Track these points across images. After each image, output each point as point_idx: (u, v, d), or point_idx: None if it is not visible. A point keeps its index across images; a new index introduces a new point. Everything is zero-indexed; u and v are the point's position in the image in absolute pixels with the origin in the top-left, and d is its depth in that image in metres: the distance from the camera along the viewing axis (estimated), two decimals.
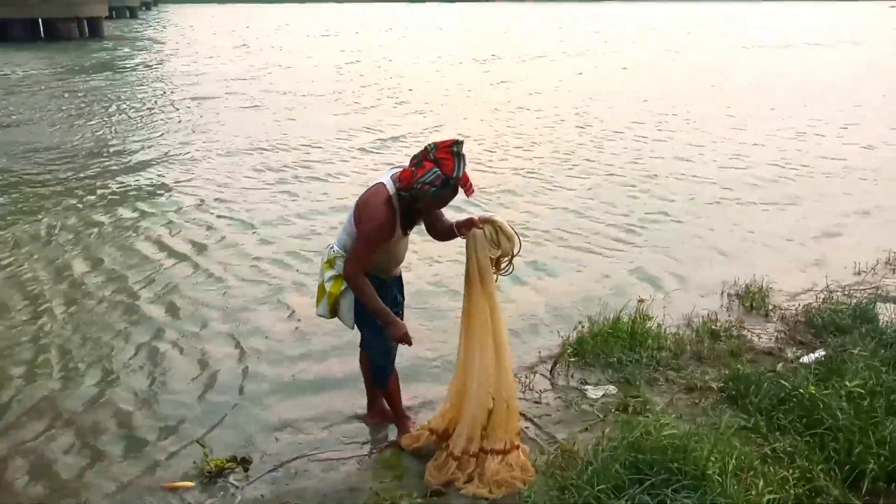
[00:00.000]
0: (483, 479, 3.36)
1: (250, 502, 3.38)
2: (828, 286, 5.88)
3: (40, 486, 3.55)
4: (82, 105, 15.67)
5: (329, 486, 3.46)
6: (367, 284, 3.34)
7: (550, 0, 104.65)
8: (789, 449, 3.40)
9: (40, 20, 37.29)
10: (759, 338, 5.04)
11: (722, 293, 5.84)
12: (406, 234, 3.50)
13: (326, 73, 20.90)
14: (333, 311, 3.58)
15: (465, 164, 3.19)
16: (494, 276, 3.43)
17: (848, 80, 19.61)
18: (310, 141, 12.02)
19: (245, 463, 3.66)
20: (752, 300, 5.60)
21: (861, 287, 5.91)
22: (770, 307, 5.53)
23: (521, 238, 3.45)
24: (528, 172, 10.05)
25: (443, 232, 3.59)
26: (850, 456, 3.28)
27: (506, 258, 3.46)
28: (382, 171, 3.59)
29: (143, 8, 72.01)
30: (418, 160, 3.21)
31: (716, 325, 5.14)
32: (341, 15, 64.27)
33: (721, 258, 6.80)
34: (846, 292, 5.73)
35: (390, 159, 10.38)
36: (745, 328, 5.17)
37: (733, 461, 3.13)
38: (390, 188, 3.31)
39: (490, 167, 10.33)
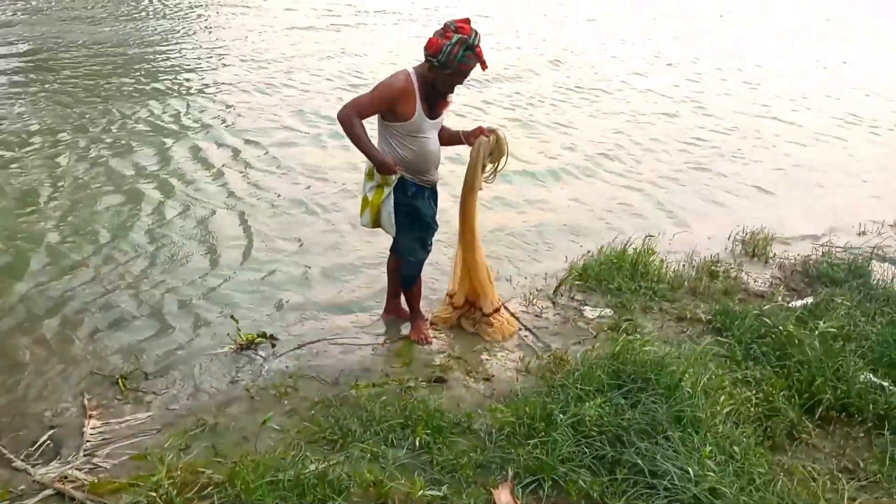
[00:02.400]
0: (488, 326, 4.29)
1: (276, 371, 3.84)
2: (830, 241, 6.15)
3: (93, 349, 4.03)
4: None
5: (345, 365, 3.92)
6: (358, 124, 3.68)
7: None
8: (759, 376, 3.78)
9: None
10: (755, 281, 5.37)
11: (728, 237, 6.13)
12: (432, 118, 3.80)
13: None
14: (376, 221, 3.95)
15: (479, 38, 3.63)
16: (486, 179, 4.06)
17: None
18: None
19: (273, 339, 4.12)
20: (756, 247, 5.89)
21: (862, 245, 6.17)
22: (771, 255, 5.83)
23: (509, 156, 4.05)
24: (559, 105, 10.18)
25: (447, 138, 4.01)
26: (810, 386, 3.66)
27: (496, 166, 4.04)
28: None
29: None
30: (440, 33, 3.62)
31: (715, 266, 5.46)
32: None
33: (735, 205, 7.03)
34: (846, 248, 5.99)
35: None
36: (743, 271, 5.50)
37: (705, 379, 3.52)
38: (410, 69, 3.71)
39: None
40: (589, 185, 7.38)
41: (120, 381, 3.65)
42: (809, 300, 4.91)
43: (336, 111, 3.73)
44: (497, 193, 6.53)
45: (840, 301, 4.67)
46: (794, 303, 4.89)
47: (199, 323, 4.32)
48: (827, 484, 3.07)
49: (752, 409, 3.48)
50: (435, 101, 3.79)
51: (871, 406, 3.58)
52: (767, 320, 4.24)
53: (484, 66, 3.74)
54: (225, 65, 10.73)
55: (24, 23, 12.12)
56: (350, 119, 3.67)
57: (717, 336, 4.33)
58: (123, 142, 7.32)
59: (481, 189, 4.11)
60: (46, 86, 8.93)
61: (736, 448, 3.11)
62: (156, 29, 12.81)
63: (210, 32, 12.89)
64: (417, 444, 3.16)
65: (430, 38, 3.66)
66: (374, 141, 3.81)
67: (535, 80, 11.25)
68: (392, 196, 3.85)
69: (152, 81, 9.63)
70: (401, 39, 12.54)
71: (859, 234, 6.51)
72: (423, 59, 3.68)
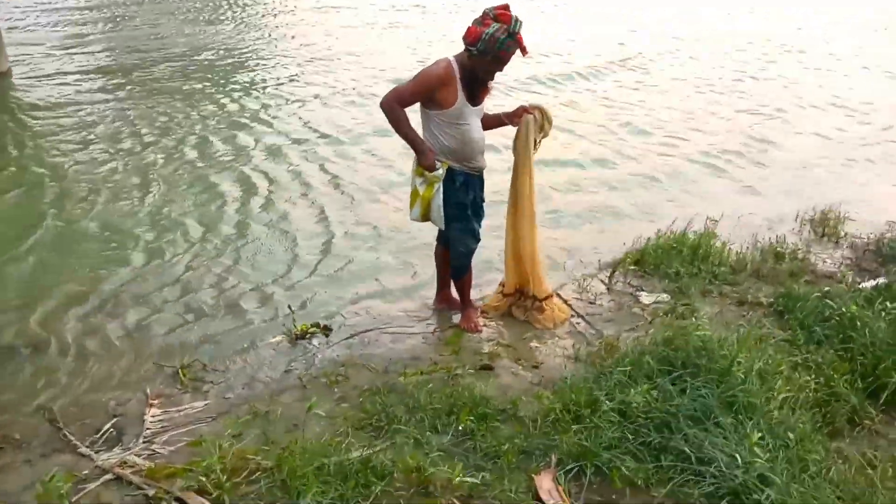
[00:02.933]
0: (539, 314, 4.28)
1: (328, 360, 3.92)
2: None
3: (154, 339, 4.19)
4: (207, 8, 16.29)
5: (395, 354, 3.97)
6: (400, 112, 3.72)
7: None
8: (820, 360, 3.63)
9: None
10: (824, 262, 5.17)
11: (797, 218, 5.90)
12: (474, 105, 3.80)
13: None
14: (425, 215, 3.98)
15: (520, 24, 3.60)
16: (532, 150, 4.02)
17: None
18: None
19: (326, 330, 4.21)
20: (826, 227, 5.65)
21: None
22: (842, 235, 5.58)
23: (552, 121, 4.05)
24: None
25: (488, 122, 3.98)
26: (875, 370, 3.49)
27: (542, 138, 4.03)
28: None
29: None
30: (479, 21, 3.61)
31: (782, 248, 5.26)
32: None
33: (806, 187, 6.76)
34: None
35: None
36: (811, 252, 5.29)
37: (760, 364, 3.40)
38: (451, 57, 3.72)
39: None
40: (646, 163, 7.24)
41: (180, 371, 3.80)
42: (882, 280, 4.68)
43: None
44: (550, 176, 6.49)
45: None
46: (864, 284, 4.67)
47: (257, 314, 4.44)
48: (889, 471, 2.92)
49: (811, 395, 3.35)
50: (475, 88, 3.78)
51: None
52: (831, 302, 4.06)
53: (524, 52, 3.71)
54: (297, 64, 10.96)
55: (102, 32, 12.68)
56: (391, 106, 3.71)
57: (780, 319, 4.20)
58: (204, 140, 7.56)
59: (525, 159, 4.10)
60: (131, 89, 9.30)
61: (791, 434, 3.00)
62: (231, 33, 13.18)
63: (287, 38, 13.17)
64: (461, 430, 3.18)
65: (468, 27, 3.65)
66: (419, 131, 3.84)
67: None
68: (441, 189, 3.87)
69: (228, 81, 9.92)
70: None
71: None
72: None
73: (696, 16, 15.52)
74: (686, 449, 2.90)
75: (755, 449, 2.80)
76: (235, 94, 9.26)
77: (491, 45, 3.58)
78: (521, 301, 4.37)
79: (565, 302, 4.50)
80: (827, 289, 4.29)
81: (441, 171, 3.81)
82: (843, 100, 9.67)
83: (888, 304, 3.97)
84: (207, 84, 9.72)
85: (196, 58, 11.02)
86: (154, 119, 8.13)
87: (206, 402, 3.58)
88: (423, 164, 3.80)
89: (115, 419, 3.42)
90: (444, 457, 3.00)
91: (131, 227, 5.57)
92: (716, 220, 5.54)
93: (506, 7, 3.64)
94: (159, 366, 3.89)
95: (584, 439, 3.03)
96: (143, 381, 3.76)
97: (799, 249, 5.28)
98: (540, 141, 4.05)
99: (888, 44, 13.25)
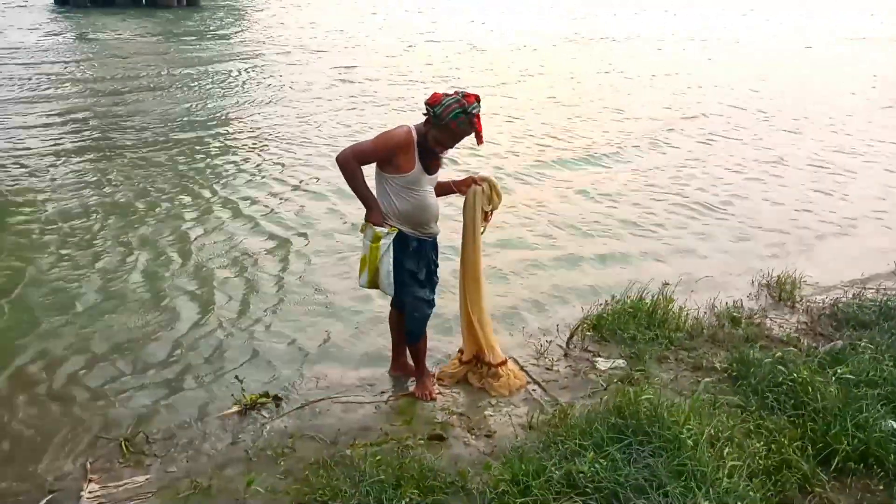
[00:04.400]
0: (495, 381, 4.26)
1: (278, 432, 3.83)
2: (861, 282, 5.92)
3: (97, 411, 4.08)
4: (178, 70, 16.52)
5: (346, 424, 3.89)
6: (357, 168, 3.75)
7: None
8: (771, 427, 3.61)
9: None
10: (780, 327, 5.19)
11: (752, 282, 5.97)
12: (429, 174, 3.85)
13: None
14: (373, 281, 3.95)
15: (480, 110, 3.72)
16: (483, 227, 4.09)
17: None
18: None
19: (276, 400, 4.13)
20: (782, 291, 5.71)
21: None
22: (798, 299, 5.64)
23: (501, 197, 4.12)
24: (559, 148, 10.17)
25: (437, 191, 4.01)
26: (825, 436, 3.47)
27: (492, 210, 4.09)
28: None
29: None
30: (445, 91, 3.74)
31: (738, 312, 5.31)
32: None
33: (761, 248, 6.87)
34: (878, 290, 5.76)
35: None
36: (767, 317, 5.33)
37: (710, 430, 3.38)
38: (411, 125, 3.79)
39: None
40: (597, 226, 7.34)
41: (123, 443, 3.70)
42: (836, 344, 4.71)
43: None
44: (502, 237, 6.56)
45: (864, 344, 4.46)
46: (820, 348, 4.70)
47: (205, 384, 4.35)
48: None
49: (762, 462, 3.32)
50: (430, 158, 3.83)
51: (892, 456, 3.38)
52: (784, 367, 4.07)
53: (479, 140, 3.80)
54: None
55: (79, 96, 12.77)
56: (348, 160, 3.76)
57: (733, 384, 4.19)
58: (160, 207, 7.54)
59: (483, 232, 4.14)
60: (115, 158, 9.29)
61: (740, 503, 2.96)
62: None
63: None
64: None
65: (434, 92, 3.75)
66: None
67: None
68: (391, 253, 3.86)
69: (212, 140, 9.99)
70: None
71: (895, 273, 6.26)
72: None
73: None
74: None
75: None
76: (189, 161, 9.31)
77: (446, 112, 3.65)
78: (477, 368, 4.33)
79: (521, 368, 4.47)
80: (779, 354, 4.30)
81: (387, 230, 3.81)
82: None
83: (839, 369, 3.99)
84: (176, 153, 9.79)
85: (170, 122, 11.11)
86: (115, 190, 8.12)
87: (148, 476, 3.47)
88: (370, 218, 3.81)
89: (50, 495, 3.32)
90: None
91: (75, 294, 5.50)
92: (669, 284, 5.58)
93: (476, 96, 3.74)
94: (102, 438, 3.78)
95: None
96: (84, 453, 3.65)
97: (755, 314, 5.33)
98: (491, 213, 4.11)
99: None
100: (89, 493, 3.32)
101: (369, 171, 3.82)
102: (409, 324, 4.11)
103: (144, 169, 8.75)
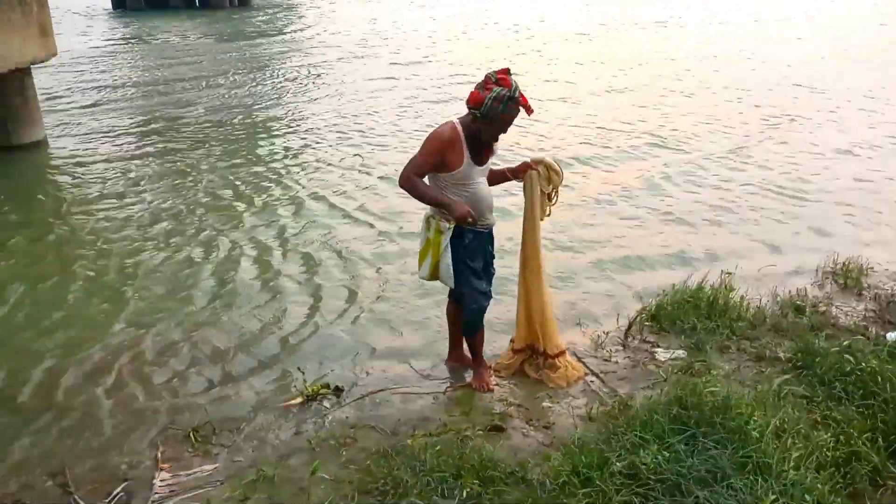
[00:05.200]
0: (552, 372, 4.23)
1: (338, 423, 3.90)
2: None
3: (167, 402, 4.22)
4: (232, 69, 16.86)
5: (405, 415, 3.94)
6: (420, 182, 3.76)
7: None
8: (840, 417, 3.52)
9: None
10: (847, 315, 5.05)
11: (817, 270, 5.80)
12: (479, 165, 3.86)
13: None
14: (434, 274, 4.00)
15: (519, 89, 3.69)
16: (548, 208, 4.08)
17: None
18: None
19: (337, 391, 4.20)
20: (847, 278, 5.54)
21: None
22: (865, 286, 5.47)
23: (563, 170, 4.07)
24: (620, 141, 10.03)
25: (494, 178, 4.05)
26: None
27: (555, 190, 4.04)
28: None
29: None
30: (481, 86, 3.68)
31: (802, 301, 5.17)
32: None
33: (825, 237, 6.68)
34: None
35: None
36: (833, 305, 5.18)
37: (776, 421, 3.32)
38: (455, 120, 3.79)
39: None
40: (657, 214, 7.24)
41: (192, 433, 3.81)
42: None
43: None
44: (562, 230, 6.52)
45: None
46: (890, 335, 4.55)
47: (270, 375, 4.45)
48: None
49: (830, 453, 3.24)
50: (480, 149, 3.84)
51: None
52: (851, 357, 3.96)
53: (529, 111, 3.78)
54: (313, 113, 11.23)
55: (145, 98, 13.17)
56: (409, 179, 3.76)
57: (798, 374, 4.09)
58: (224, 200, 7.73)
59: (543, 221, 4.11)
60: (195, 158, 9.55)
61: (808, 497, 2.90)
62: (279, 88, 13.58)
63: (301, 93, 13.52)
64: (467, 494, 3.12)
65: (471, 91, 3.72)
66: None
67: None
68: (450, 247, 3.89)
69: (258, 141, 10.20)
70: None
71: None
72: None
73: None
74: None
75: None
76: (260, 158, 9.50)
77: (494, 110, 3.65)
78: (533, 359, 4.33)
79: (579, 359, 4.44)
80: (847, 343, 4.18)
81: (450, 225, 3.83)
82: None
83: None
84: (232, 145, 10.00)
85: (221, 120, 11.36)
86: (178, 184, 8.35)
87: (216, 465, 3.57)
88: (457, 218, 3.78)
89: (125, 483, 3.44)
90: None
91: (144, 288, 5.69)
92: (731, 273, 5.47)
93: (506, 71, 3.73)
94: (171, 428, 3.91)
95: (592, 502, 2.96)
96: (155, 443, 3.77)
97: (820, 302, 5.19)
98: (555, 194, 4.07)
99: None
100: (161, 481, 3.43)
101: None
102: (467, 315, 4.12)
103: (224, 168, 8.99)
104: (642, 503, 2.94)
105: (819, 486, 2.98)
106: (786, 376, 3.98)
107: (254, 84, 14.54)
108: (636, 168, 8.84)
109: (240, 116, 11.79)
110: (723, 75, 14.88)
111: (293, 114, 12.05)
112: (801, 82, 13.98)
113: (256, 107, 12.49)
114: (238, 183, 8.41)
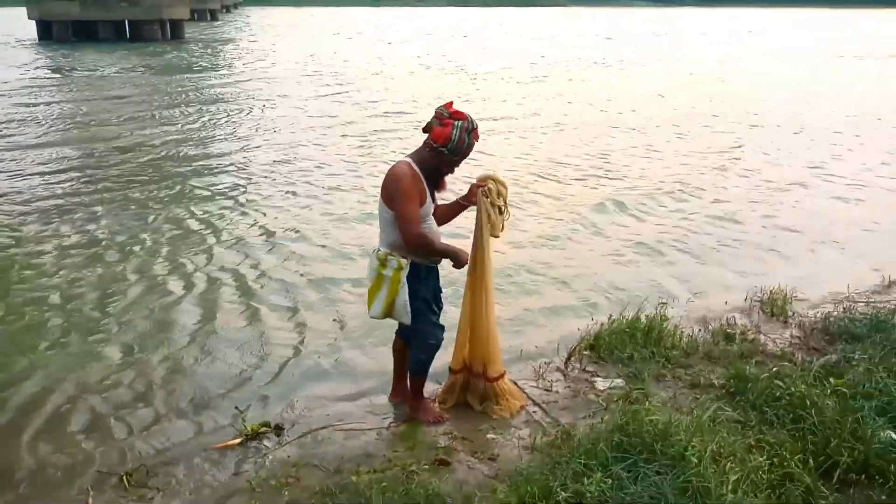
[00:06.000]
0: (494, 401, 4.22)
1: (280, 462, 3.81)
2: (851, 296, 6.00)
3: (98, 445, 4.04)
4: (160, 103, 16.61)
5: (348, 451, 3.87)
6: (424, 235, 3.77)
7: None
8: (772, 441, 3.64)
9: (126, 22, 39.26)
10: (774, 342, 5.24)
11: (745, 299, 6.02)
12: (434, 203, 3.90)
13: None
14: (388, 311, 3.95)
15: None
16: (502, 221, 4.06)
17: None
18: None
19: (278, 429, 4.11)
20: (773, 307, 5.77)
21: (886, 299, 6.01)
22: (790, 314, 5.70)
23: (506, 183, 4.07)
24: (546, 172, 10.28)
25: (446, 213, 4.08)
26: (826, 449, 3.51)
27: (504, 203, 4.04)
28: None
29: (224, 10, 74.62)
30: (439, 122, 3.73)
31: (732, 329, 5.36)
32: (412, 16, 64.82)
33: (754, 265, 6.95)
34: (868, 303, 5.84)
35: None
36: (760, 332, 5.38)
37: (713, 446, 3.41)
38: (408, 159, 3.81)
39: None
40: (594, 247, 7.39)
41: (124, 478, 3.67)
42: (830, 357, 4.76)
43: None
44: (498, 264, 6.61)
45: (858, 357, 4.52)
46: (814, 363, 4.74)
47: (206, 415, 4.33)
48: None
49: (765, 476, 3.34)
50: (437, 183, 3.90)
51: (892, 466, 3.41)
52: (781, 382, 4.11)
53: (476, 139, 3.86)
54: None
55: (66, 134, 12.80)
56: (423, 236, 3.79)
57: (732, 400, 4.21)
58: (156, 236, 7.55)
59: (500, 236, 4.11)
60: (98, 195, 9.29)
61: None
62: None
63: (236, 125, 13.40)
64: None
65: (434, 129, 3.75)
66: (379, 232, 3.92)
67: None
68: (406, 286, 3.87)
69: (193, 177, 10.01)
70: None
71: (885, 287, 6.35)
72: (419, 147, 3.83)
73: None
74: None
75: None
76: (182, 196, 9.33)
77: (460, 145, 3.72)
78: (473, 382, 4.30)
79: (517, 386, 4.47)
80: (776, 369, 4.34)
81: (407, 261, 3.83)
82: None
83: (835, 381, 4.04)
84: (169, 180, 9.80)
85: (146, 156, 11.14)
86: (109, 220, 8.12)
87: None
88: (462, 264, 3.89)
89: None
90: None
91: (70, 328, 5.49)
92: (664, 303, 5.65)
93: (452, 104, 3.81)
94: (102, 473, 3.75)
95: None
96: (85, 489, 3.60)
97: (749, 330, 5.38)
98: (505, 205, 4.06)
99: None
100: None
101: (370, 198, 3.85)
102: (422, 352, 4.08)
103: (159, 205, 8.78)
104: None
105: None
106: (720, 402, 4.09)
107: (188, 118, 14.33)
108: (574, 201, 9.05)
109: (175, 151, 11.58)
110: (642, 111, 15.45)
111: (230, 149, 11.92)
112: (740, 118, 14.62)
113: (190, 142, 12.30)
114: (170, 218, 8.23)
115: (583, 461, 3.39)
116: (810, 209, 8.90)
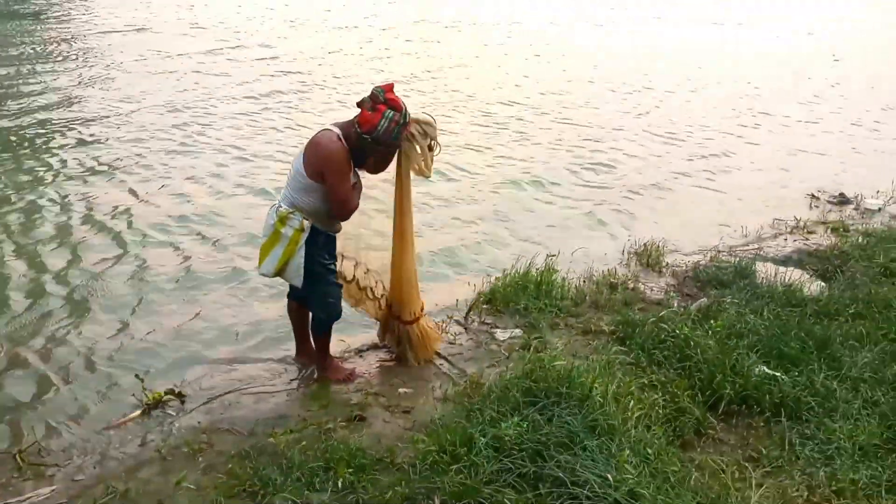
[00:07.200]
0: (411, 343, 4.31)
1: (188, 429, 3.71)
2: (716, 247, 6.53)
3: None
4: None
5: (260, 414, 3.83)
6: (353, 205, 3.80)
7: None
8: (663, 379, 3.96)
9: None
10: (651, 290, 5.64)
11: (623, 251, 6.41)
12: (357, 178, 3.85)
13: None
14: (281, 270, 3.85)
15: (409, 114, 3.70)
16: (431, 158, 3.99)
17: None
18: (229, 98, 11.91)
19: (181, 396, 3.98)
20: (649, 258, 6.19)
21: (746, 248, 6.59)
22: (664, 264, 6.13)
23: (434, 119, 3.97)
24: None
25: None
26: (711, 384, 3.87)
27: (433, 141, 3.95)
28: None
29: None
30: (371, 105, 3.60)
31: (614, 279, 5.70)
32: None
33: (629, 221, 7.36)
34: (732, 253, 6.39)
35: None
36: (640, 282, 5.76)
37: (613, 387, 3.66)
38: (336, 130, 3.68)
39: None
40: (480, 203, 7.56)
41: (18, 455, 3.44)
42: (702, 301, 5.19)
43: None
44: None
45: (729, 301, 4.96)
46: (690, 306, 5.16)
47: (101, 385, 4.12)
48: (735, 474, 3.24)
49: (661, 411, 3.64)
50: (362, 160, 3.81)
51: (767, 396, 3.81)
52: (665, 326, 4.45)
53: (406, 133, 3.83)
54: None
55: None
56: (353, 210, 3.82)
57: (621, 344, 4.51)
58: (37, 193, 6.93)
59: (430, 177, 4.13)
60: None
61: (650, 450, 3.24)
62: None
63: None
64: (340, 484, 3.13)
65: (362, 112, 3.63)
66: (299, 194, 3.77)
67: None
68: (304, 248, 3.79)
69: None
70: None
71: (742, 237, 6.94)
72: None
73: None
74: (560, 475, 3.04)
75: (625, 465, 3.00)
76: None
77: (386, 136, 3.64)
78: (392, 323, 4.37)
79: (439, 328, 4.61)
80: (661, 314, 4.69)
81: (309, 223, 3.76)
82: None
83: (713, 323, 4.42)
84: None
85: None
86: None
87: (53, 487, 3.26)
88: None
89: None
90: None
91: None
92: (553, 256, 5.91)
93: (392, 88, 3.69)
94: None
95: (464, 478, 3.09)
96: None
97: (629, 279, 5.74)
98: (436, 144, 3.98)
99: None
100: None
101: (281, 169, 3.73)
102: (323, 311, 4.05)
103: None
104: (510, 472, 3.12)
105: (657, 440, 3.35)
106: (613, 347, 4.38)
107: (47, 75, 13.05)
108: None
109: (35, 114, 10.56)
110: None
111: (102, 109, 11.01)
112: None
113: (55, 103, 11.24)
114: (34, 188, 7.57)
115: (496, 407, 3.54)
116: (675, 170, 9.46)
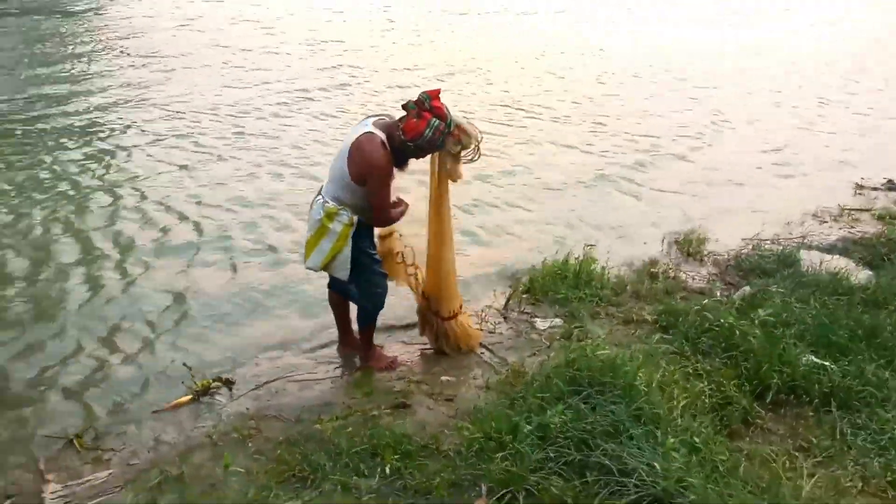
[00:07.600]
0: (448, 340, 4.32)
1: (236, 416, 3.79)
2: (758, 235, 6.43)
3: (38, 411, 3.87)
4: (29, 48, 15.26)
5: (306, 401, 3.90)
6: (393, 214, 3.91)
7: None
8: (708, 368, 3.92)
9: None
10: (693, 279, 5.59)
11: (663, 240, 6.35)
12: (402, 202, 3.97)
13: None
14: (327, 265, 3.91)
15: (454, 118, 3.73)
16: (459, 169, 3.92)
17: None
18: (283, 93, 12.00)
19: (229, 383, 4.06)
20: (690, 247, 6.12)
21: (789, 237, 6.49)
22: (705, 253, 6.07)
23: (478, 129, 3.86)
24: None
25: None
26: (758, 373, 3.82)
27: (469, 148, 3.86)
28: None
29: None
30: (416, 112, 3.63)
31: (654, 268, 5.66)
32: None
33: (671, 211, 7.25)
34: (775, 241, 6.29)
35: None
36: (681, 271, 5.71)
37: (658, 376, 3.64)
38: (380, 135, 3.69)
39: None
40: (520, 195, 7.51)
41: (75, 440, 3.54)
42: (747, 290, 5.12)
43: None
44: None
45: (774, 289, 4.89)
46: (733, 295, 5.10)
47: (152, 372, 4.21)
48: (785, 463, 3.20)
49: (707, 401, 3.61)
50: (403, 163, 3.85)
51: (816, 386, 3.75)
52: (708, 314, 4.41)
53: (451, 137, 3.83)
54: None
55: None
56: (392, 219, 3.94)
57: (664, 333, 4.47)
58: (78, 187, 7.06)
59: (456, 182, 4.02)
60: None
61: (697, 439, 3.22)
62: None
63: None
64: (388, 470, 3.17)
65: (408, 120, 3.66)
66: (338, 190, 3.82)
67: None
68: (351, 242, 3.85)
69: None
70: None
71: (785, 226, 6.81)
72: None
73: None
74: (607, 462, 3.04)
75: (672, 454, 2.99)
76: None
77: (431, 144, 3.70)
78: (431, 318, 4.36)
79: (478, 326, 4.60)
80: (705, 302, 4.65)
81: (356, 218, 3.82)
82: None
83: (759, 311, 4.37)
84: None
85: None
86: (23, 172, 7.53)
87: (110, 470, 3.37)
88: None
89: (9, 500, 3.14)
90: (376, 499, 2.99)
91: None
92: (592, 245, 5.88)
93: (439, 94, 3.70)
94: (49, 437, 3.60)
95: (509, 465, 3.10)
96: (34, 456, 3.46)
97: (669, 269, 5.70)
98: (475, 151, 3.90)
99: None
100: (51, 493, 3.18)
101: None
102: (369, 301, 4.10)
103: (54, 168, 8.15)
104: (555, 460, 3.12)
105: (704, 429, 3.33)
106: (656, 336, 4.36)
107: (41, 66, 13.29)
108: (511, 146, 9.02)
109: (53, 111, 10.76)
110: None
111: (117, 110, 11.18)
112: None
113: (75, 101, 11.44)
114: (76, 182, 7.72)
115: (539, 396, 3.55)
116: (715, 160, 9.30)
